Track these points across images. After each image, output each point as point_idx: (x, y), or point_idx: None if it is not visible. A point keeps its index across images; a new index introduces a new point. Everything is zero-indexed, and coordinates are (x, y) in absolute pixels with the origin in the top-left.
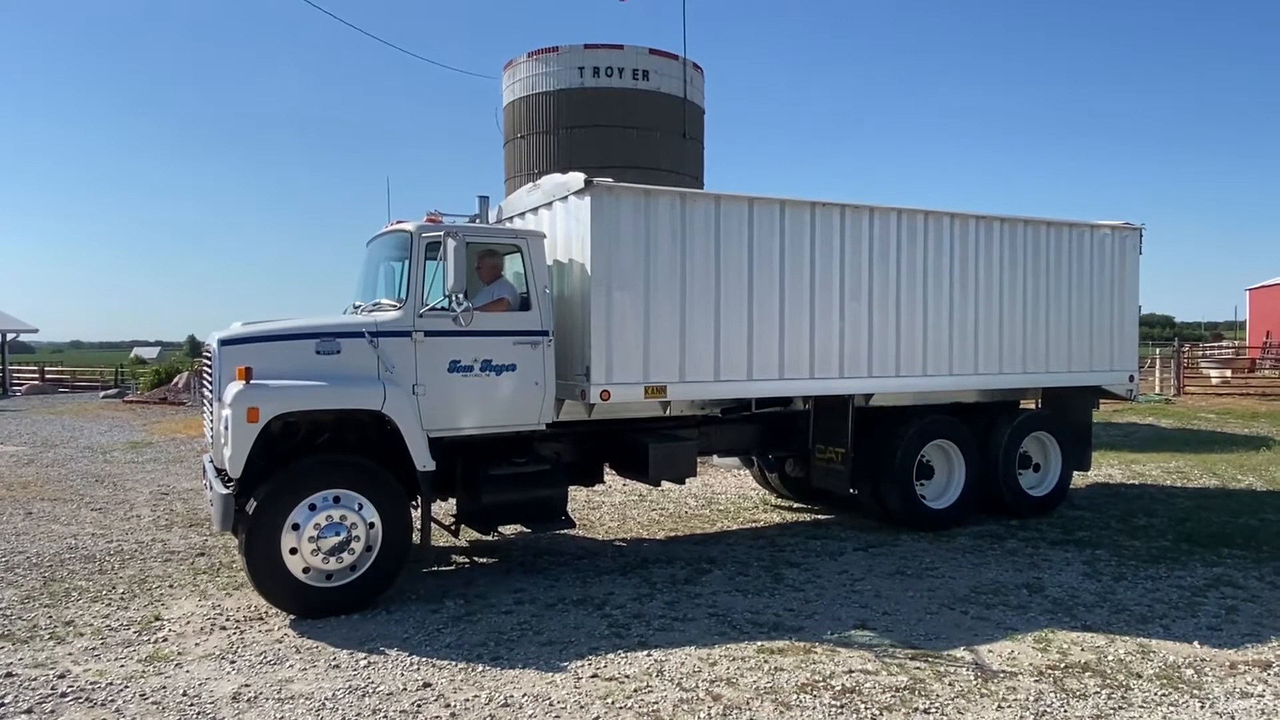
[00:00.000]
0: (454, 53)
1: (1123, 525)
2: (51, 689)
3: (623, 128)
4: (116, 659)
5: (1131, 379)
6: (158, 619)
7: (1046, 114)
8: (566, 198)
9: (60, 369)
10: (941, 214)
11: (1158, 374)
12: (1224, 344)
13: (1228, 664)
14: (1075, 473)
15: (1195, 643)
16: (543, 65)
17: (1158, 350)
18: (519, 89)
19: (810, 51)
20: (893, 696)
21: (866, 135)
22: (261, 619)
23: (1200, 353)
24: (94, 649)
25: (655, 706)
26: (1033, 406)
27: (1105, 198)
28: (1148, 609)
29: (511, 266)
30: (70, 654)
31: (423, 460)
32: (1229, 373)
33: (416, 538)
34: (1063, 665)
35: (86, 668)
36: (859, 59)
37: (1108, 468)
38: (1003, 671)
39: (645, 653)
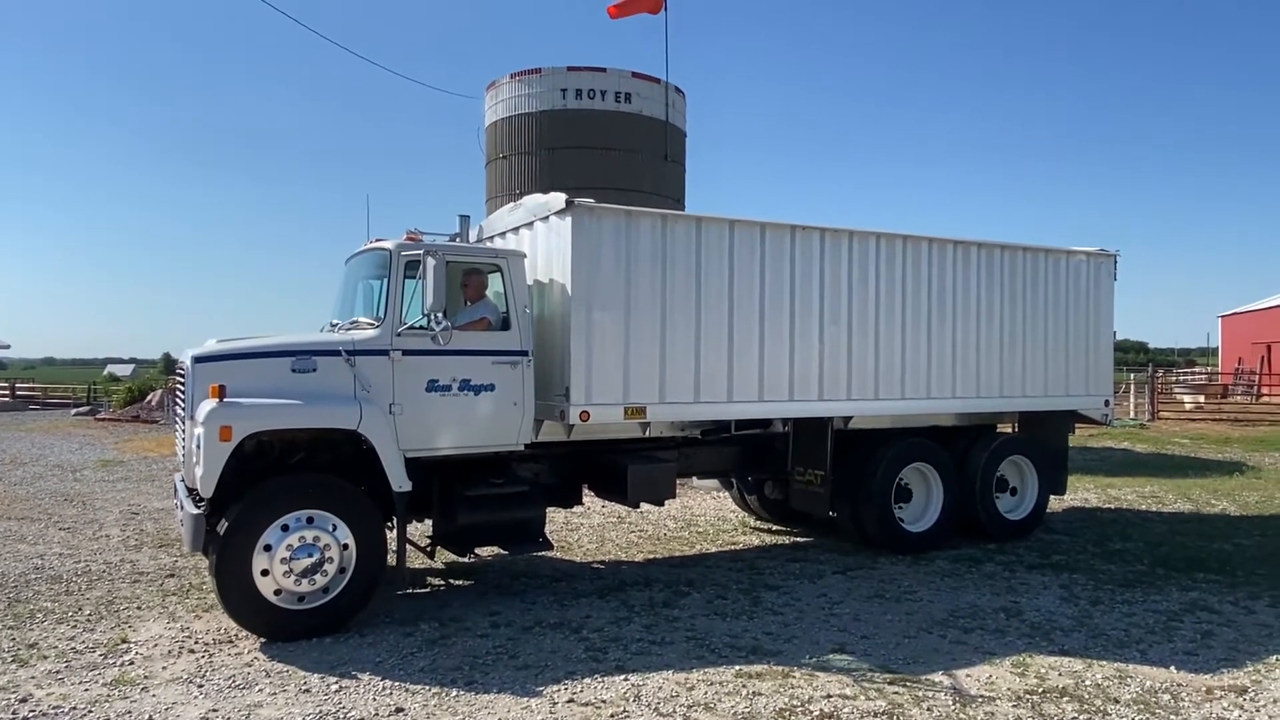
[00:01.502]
0: (437, 72)
1: (1099, 549)
2: (13, 713)
3: (605, 149)
4: (81, 682)
5: (1106, 404)
6: (124, 641)
7: (1022, 139)
8: (548, 218)
9: (32, 385)
10: (920, 239)
11: (1132, 399)
12: (1197, 370)
13: (1204, 689)
14: (1051, 496)
15: (1172, 667)
16: (525, 86)
17: (1132, 375)
18: (501, 109)
19: (793, 78)
20: None
21: (848, 161)
22: (231, 642)
23: (1174, 378)
24: (58, 672)
25: None
26: (1009, 430)
27: (1081, 224)
28: (1124, 633)
29: (492, 286)
30: (33, 677)
31: (399, 480)
32: (1202, 398)
33: (391, 559)
34: (1040, 690)
35: (50, 691)
36: (841, 86)
37: (1084, 492)
38: (981, 696)
39: (622, 677)
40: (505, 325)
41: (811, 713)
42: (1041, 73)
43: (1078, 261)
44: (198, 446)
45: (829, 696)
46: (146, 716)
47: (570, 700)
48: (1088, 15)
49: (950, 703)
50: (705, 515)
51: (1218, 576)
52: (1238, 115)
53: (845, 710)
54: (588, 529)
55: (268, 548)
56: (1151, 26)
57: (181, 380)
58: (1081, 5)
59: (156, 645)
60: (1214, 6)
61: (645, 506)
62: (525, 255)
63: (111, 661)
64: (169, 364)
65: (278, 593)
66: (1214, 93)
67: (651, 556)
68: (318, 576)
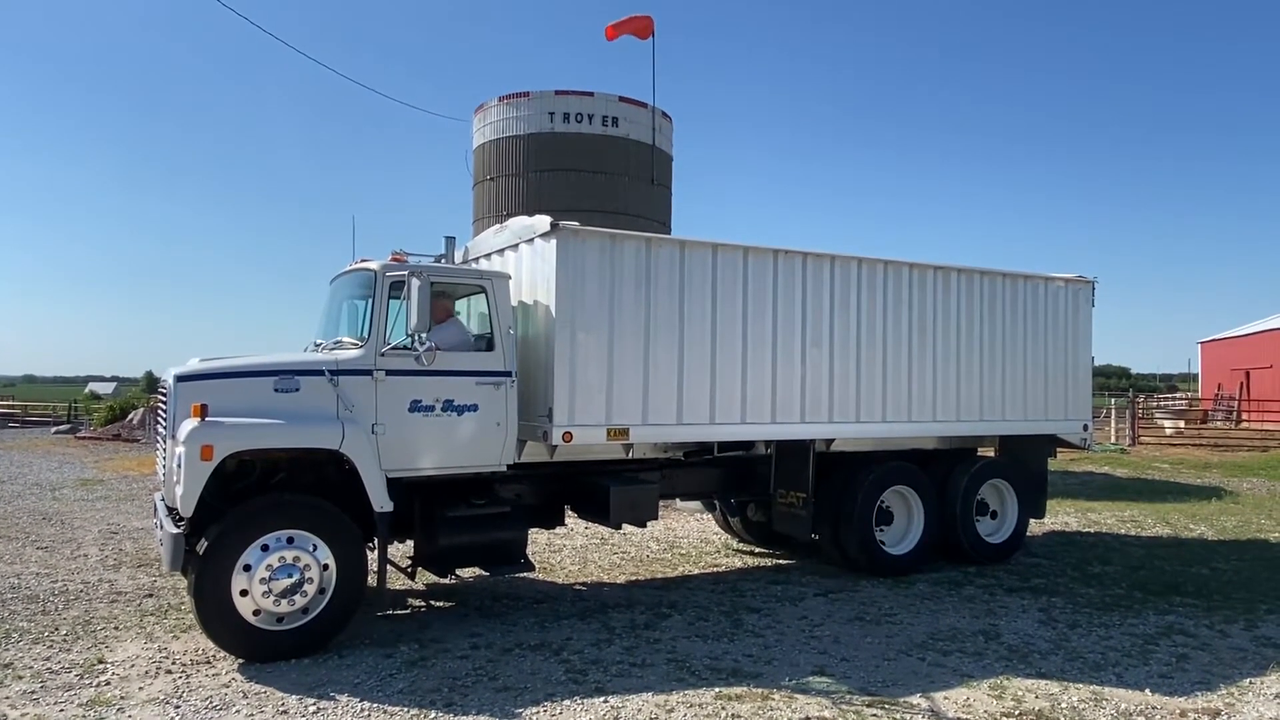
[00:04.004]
0: (426, 94)
1: (1078, 573)
2: None
3: (591, 172)
4: (56, 703)
5: (1086, 428)
6: (101, 662)
7: (1001, 165)
8: (533, 240)
9: (11, 403)
10: (901, 264)
11: (1113, 424)
12: (1177, 395)
13: (1178, 711)
14: (1032, 520)
15: (1147, 690)
16: (513, 110)
17: (1113, 400)
18: (489, 132)
19: (778, 106)
20: None
21: (833, 189)
22: (209, 663)
23: (1155, 404)
24: (33, 692)
25: None
26: (990, 454)
27: (1064, 251)
28: (1101, 656)
29: (475, 307)
30: (8, 697)
31: (380, 501)
32: (1182, 424)
33: (372, 580)
34: (1017, 713)
35: (24, 712)
36: (825, 116)
37: (1064, 516)
38: (958, 718)
39: (602, 699)
40: (489, 346)
41: None
42: (1020, 99)
43: (1056, 288)
44: (178, 465)
45: (807, 719)
46: None
47: None
48: (1073, 41)
49: None
50: (688, 537)
51: (1194, 600)
52: (1217, 145)
53: None
54: (570, 550)
55: (247, 568)
56: (1138, 51)
57: (164, 399)
58: (1066, 34)
59: (133, 666)
60: (1200, 38)
61: (628, 528)
62: (510, 277)
63: (88, 682)
64: (151, 382)
65: (257, 613)
66: (1194, 121)
67: (634, 578)
68: (297, 597)
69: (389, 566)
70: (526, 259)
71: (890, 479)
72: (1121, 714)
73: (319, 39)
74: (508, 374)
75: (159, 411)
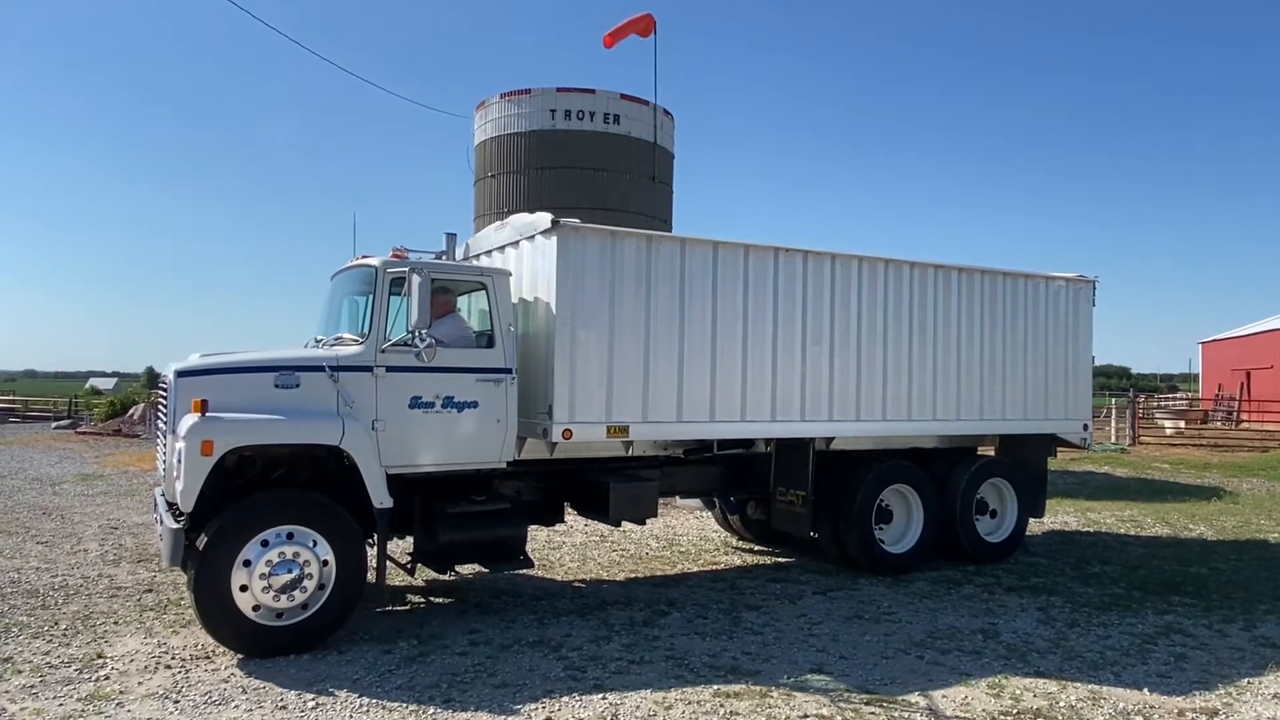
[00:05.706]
0: (426, 93)
1: (1077, 572)
2: None
3: (593, 169)
4: (55, 697)
5: (1085, 427)
6: (100, 656)
7: (1003, 163)
8: (533, 237)
9: (12, 398)
10: (901, 262)
11: (1113, 424)
12: (1178, 395)
13: (1176, 711)
14: (1031, 519)
15: (1145, 690)
16: (515, 106)
17: (1114, 400)
18: (491, 129)
19: (779, 105)
20: None
21: (834, 187)
22: (208, 658)
23: (1155, 404)
24: (32, 687)
25: None
26: (990, 453)
27: (1066, 252)
28: (1099, 656)
29: (476, 304)
30: (7, 691)
31: (380, 497)
32: (1183, 424)
33: (371, 576)
34: (1015, 711)
35: (23, 706)
36: (826, 115)
37: (1064, 515)
38: (956, 717)
39: (600, 696)
40: (490, 343)
41: None
42: (1020, 99)
43: (1057, 287)
44: (179, 461)
45: (805, 716)
46: None
47: (548, 719)
48: (1073, 41)
49: None
50: (688, 535)
51: (1193, 600)
52: (1219, 145)
53: None
54: (570, 547)
55: (247, 563)
56: (1138, 50)
57: (164, 394)
58: (1066, 34)
59: (133, 660)
60: (1202, 38)
61: (627, 525)
62: (511, 274)
63: (87, 676)
64: (152, 378)
65: (256, 609)
66: (1196, 121)
67: (633, 575)
68: (297, 593)
69: (389, 563)
70: (527, 256)
71: (890, 477)
72: (1119, 713)
73: (320, 36)
74: (508, 371)
75: (160, 407)
